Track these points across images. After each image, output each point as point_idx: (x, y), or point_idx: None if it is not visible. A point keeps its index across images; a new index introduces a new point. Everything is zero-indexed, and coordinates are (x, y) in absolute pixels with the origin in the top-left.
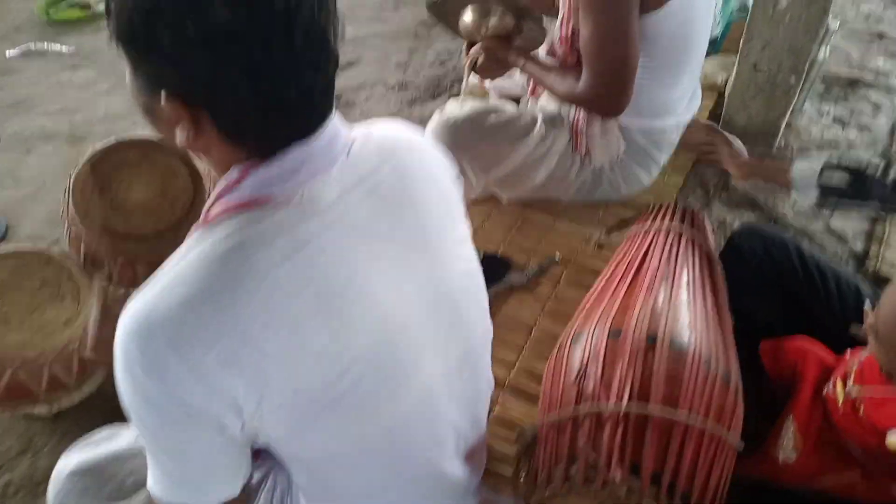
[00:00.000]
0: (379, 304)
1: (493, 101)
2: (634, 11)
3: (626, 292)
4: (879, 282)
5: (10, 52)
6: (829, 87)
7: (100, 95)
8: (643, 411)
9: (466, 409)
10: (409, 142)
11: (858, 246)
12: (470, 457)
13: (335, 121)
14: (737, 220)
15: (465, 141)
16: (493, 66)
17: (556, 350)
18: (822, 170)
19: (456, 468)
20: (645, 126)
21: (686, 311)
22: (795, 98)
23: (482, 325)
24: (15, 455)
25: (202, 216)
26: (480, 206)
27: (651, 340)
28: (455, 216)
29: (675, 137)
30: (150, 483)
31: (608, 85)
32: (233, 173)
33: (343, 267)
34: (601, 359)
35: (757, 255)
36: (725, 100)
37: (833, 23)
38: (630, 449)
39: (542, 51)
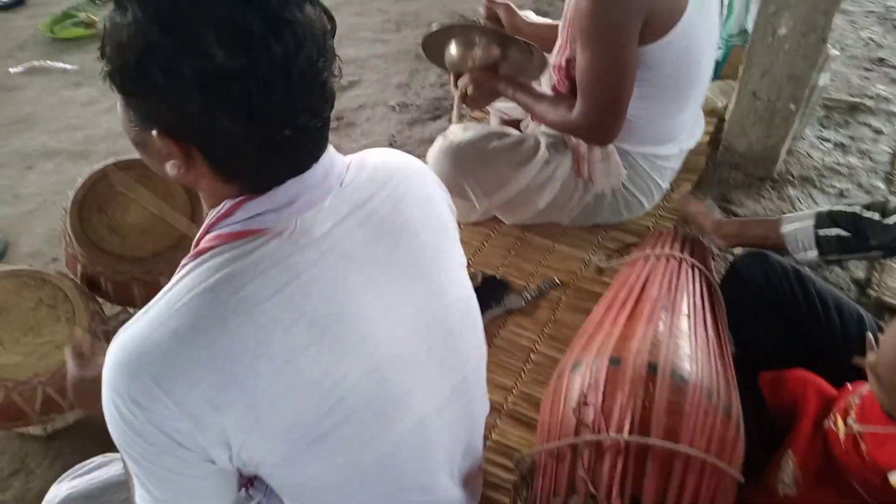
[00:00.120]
0: (373, 334)
1: (495, 124)
2: (633, 43)
3: (626, 320)
4: (882, 309)
5: (13, 70)
6: (830, 113)
7: (102, 113)
8: (644, 443)
9: (460, 435)
10: (404, 169)
11: (860, 273)
12: (465, 483)
13: (330, 153)
14: (733, 246)
15: (467, 165)
16: (481, 97)
17: (555, 377)
18: (816, 226)
19: (451, 495)
20: (647, 153)
21: (687, 341)
22: (795, 125)
23: (478, 351)
24: (7, 476)
25: (192, 248)
26: (480, 228)
27: (652, 370)
28: (451, 242)
29: (677, 164)
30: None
31: (601, 114)
32: (225, 205)
33: (337, 297)
34: (601, 387)
35: (757, 282)
36: (725, 126)
37: (832, 50)
38: (630, 481)
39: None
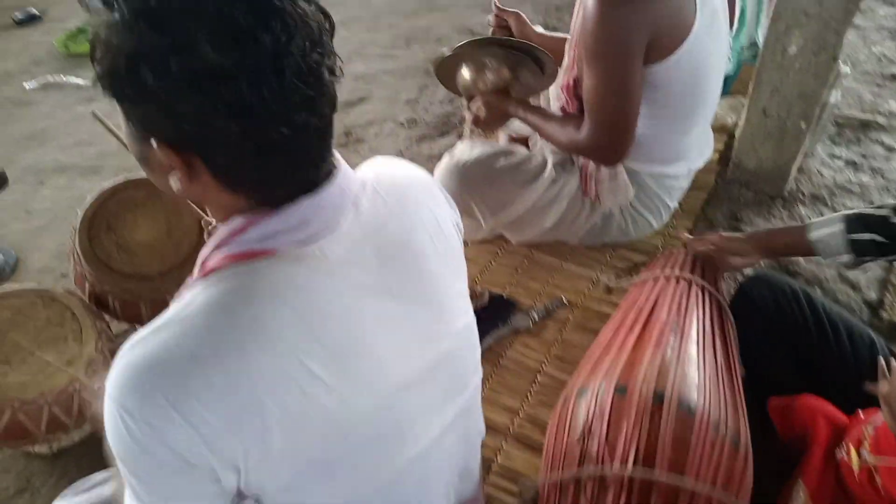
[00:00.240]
0: (384, 364)
1: (503, 142)
2: (637, 63)
3: (634, 344)
4: (895, 332)
5: (28, 84)
6: (841, 130)
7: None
8: (649, 477)
9: (459, 461)
10: (418, 192)
11: (872, 294)
12: None
13: (344, 171)
14: (761, 258)
15: (474, 184)
16: (493, 120)
17: (560, 403)
18: (845, 230)
19: None
20: (656, 172)
21: (695, 369)
22: (806, 143)
23: (476, 375)
24: (13, 494)
25: (198, 266)
26: (487, 246)
27: (658, 399)
28: (458, 269)
29: (685, 183)
30: None
31: (609, 134)
32: (236, 222)
33: (352, 326)
34: (606, 417)
35: (766, 304)
36: (735, 143)
37: (844, 67)
38: None
39: (553, 101)
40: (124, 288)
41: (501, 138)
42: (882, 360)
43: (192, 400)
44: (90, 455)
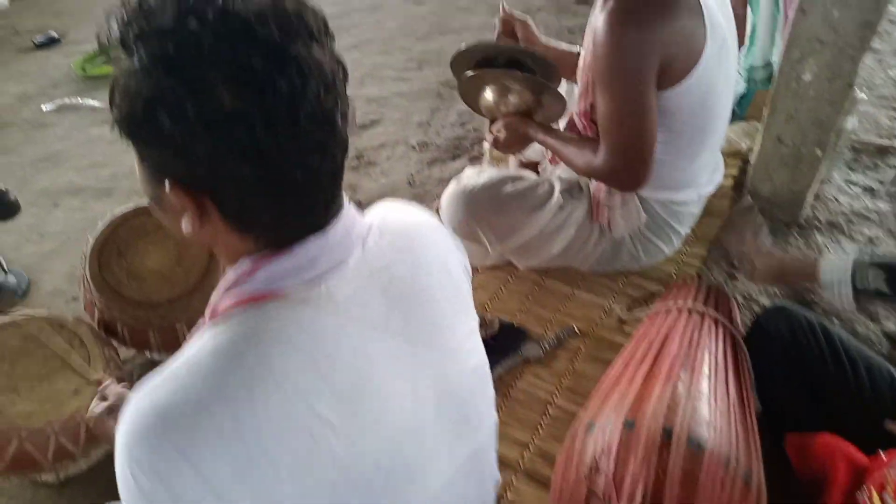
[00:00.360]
0: (392, 407)
1: (513, 167)
2: (651, 87)
3: (644, 379)
4: None
5: (46, 107)
6: (858, 156)
7: (126, 151)
8: None
9: None
10: (423, 232)
11: (892, 325)
12: None
13: (350, 211)
14: (763, 294)
15: (481, 210)
16: (514, 142)
17: (568, 438)
18: (854, 269)
19: None
20: (665, 198)
21: (705, 404)
22: (822, 170)
23: (490, 420)
24: None
25: (208, 310)
26: (497, 273)
27: (667, 435)
28: (466, 309)
29: (696, 210)
30: None
31: (626, 160)
32: (244, 264)
33: (360, 368)
34: (614, 453)
35: (783, 337)
36: (750, 170)
37: (860, 93)
38: None
39: (561, 123)
40: (133, 315)
41: (512, 162)
42: None
43: (200, 448)
44: (97, 483)
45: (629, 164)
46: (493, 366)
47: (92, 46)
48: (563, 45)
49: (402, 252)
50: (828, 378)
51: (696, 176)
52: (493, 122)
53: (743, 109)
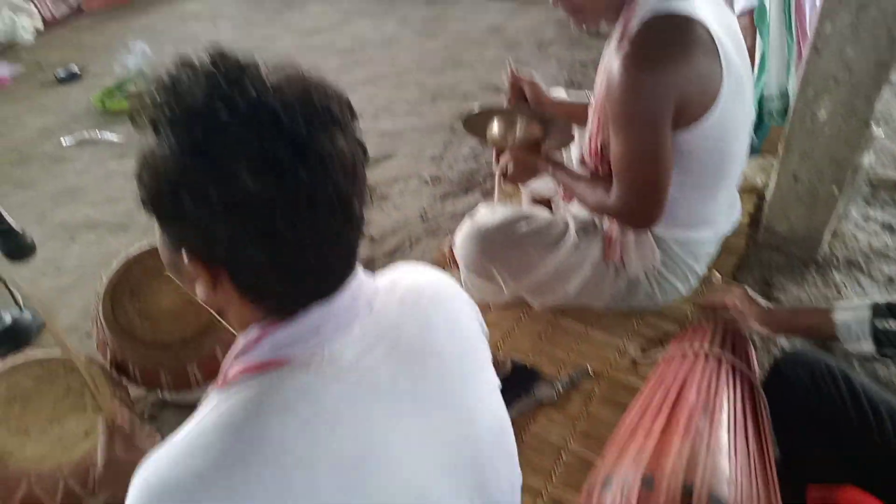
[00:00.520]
0: (400, 473)
1: (525, 205)
2: (666, 129)
3: (662, 430)
4: None
5: (65, 141)
6: (876, 191)
7: None
8: None
9: None
10: (435, 290)
11: None
12: None
13: (359, 276)
14: (780, 335)
15: (495, 249)
16: (522, 174)
17: (584, 494)
18: (871, 316)
19: None
20: (681, 237)
21: (726, 459)
22: (839, 207)
23: (510, 481)
24: None
25: (220, 376)
26: (510, 311)
27: (688, 493)
28: (482, 366)
29: (713, 249)
30: None
31: (639, 199)
32: (252, 332)
33: (364, 435)
34: None
35: (803, 385)
36: (766, 207)
37: (877, 130)
38: None
39: (574, 159)
40: (145, 356)
41: (524, 200)
42: None
43: None
44: None
45: (642, 204)
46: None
47: (111, 81)
48: (574, 101)
49: (412, 310)
50: (850, 427)
51: (713, 214)
52: (499, 154)
53: (759, 143)
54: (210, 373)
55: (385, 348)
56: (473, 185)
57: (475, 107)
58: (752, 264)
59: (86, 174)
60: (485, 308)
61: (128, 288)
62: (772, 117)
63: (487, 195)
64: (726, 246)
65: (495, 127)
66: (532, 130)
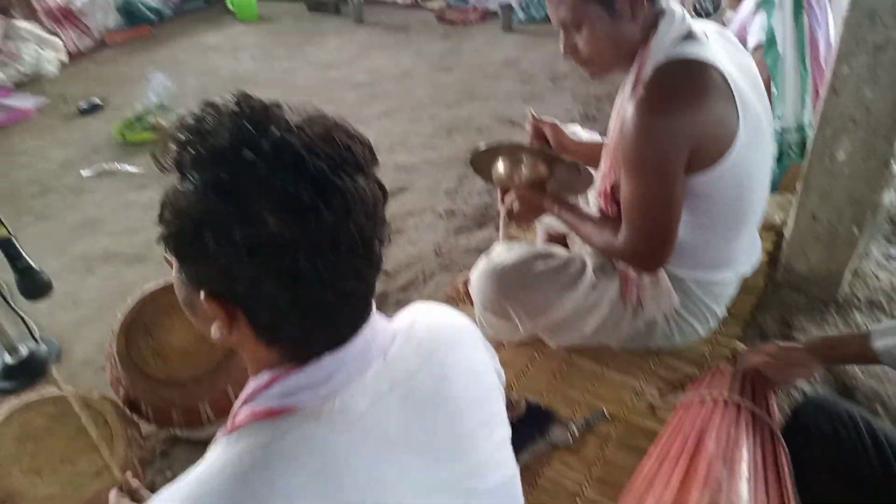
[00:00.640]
0: None
1: (541, 242)
2: (678, 174)
3: (681, 481)
4: None
5: (85, 172)
6: None
7: None
8: None
9: None
10: (453, 337)
11: None
12: None
13: (374, 322)
14: (800, 379)
15: (512, 288)
16: (527, 214)
17: None
18: None
19: None
20: (702, 278)
21: None
22: (860, 247)
23: None
24: None
25: (229, 421)
26: (524, 349)
27: None
28: (495, 418)
29: (733, 290)
30: None
31: (647, 242)
32: (263, 377)
33: (372, 486)
34: None
35: (824, 434)
36: (785, 246)
37: None
38: None
39: (591, 202)
40: (157, 394)
41: (539, 236)
42: None
43: None
44: None
45: (650, 247)
46: (520, 451)
47: (132, 113)
48: (595, 142)
49: (427, 359)
50: (874, 477)
51: (734, 256)
52: (504, 193)
53: (776, 185)
54: (221, 411)
55: (398, 398)
56: (488, 220)
57: (481, 145)
58: (772, 304)
59: (104, 205)
60: (499, 346)
61: (142, 325)
62: (791, 150)
63: None
64: (745, 285)
65: (500, 166)
66: (538, 169)
